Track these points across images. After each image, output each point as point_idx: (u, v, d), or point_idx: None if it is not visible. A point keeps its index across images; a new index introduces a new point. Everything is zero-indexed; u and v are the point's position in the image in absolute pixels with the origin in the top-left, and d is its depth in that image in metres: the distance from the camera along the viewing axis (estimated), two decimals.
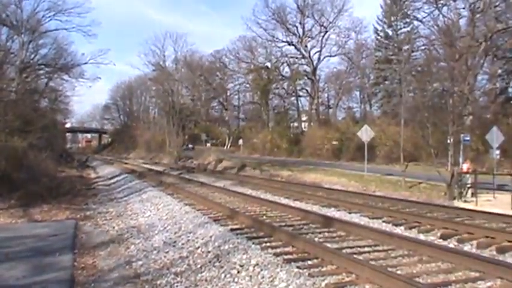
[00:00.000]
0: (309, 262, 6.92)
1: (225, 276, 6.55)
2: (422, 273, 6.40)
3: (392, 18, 48.57)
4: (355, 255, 7.08)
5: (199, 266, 7.27)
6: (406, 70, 34.36)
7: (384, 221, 10.78)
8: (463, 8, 33.02)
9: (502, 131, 19.63)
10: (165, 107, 67.10)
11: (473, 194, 15.56)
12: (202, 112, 79.28)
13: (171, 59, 75.15)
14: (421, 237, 9.05)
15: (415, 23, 42.13)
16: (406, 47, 46.49)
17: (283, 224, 10.23)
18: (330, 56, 57.86)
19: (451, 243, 8.55)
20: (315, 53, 56.55)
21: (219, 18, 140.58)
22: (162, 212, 12.70)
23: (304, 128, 59.26)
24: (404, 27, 48.16)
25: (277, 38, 56.92)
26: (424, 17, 37.25)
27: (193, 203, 14.06)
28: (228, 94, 77.22)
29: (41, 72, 40.43)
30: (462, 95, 20.01)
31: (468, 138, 19.48)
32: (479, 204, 13.96)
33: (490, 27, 30.42)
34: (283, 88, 63.65)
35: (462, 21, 33.73)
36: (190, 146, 63.28)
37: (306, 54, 56.09)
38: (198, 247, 8.31)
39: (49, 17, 37.32)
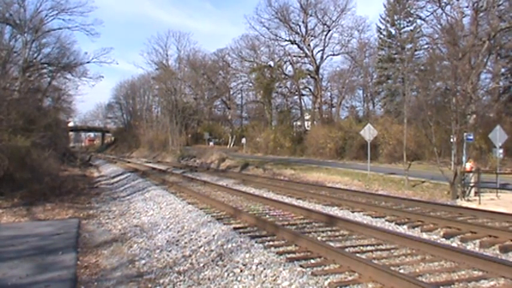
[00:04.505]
0: (312, 261, 6.92)
1: (228, 275, 6.56)
2: (425, 272, 6.41)
3: (395, 17, 48.34)
4: (358, 254, 7.08)
5: (202, 264, 7.28)
6: (409, 69, 34.24)
7: (386, 220, 10.78)
8: (467, 7, 32.94)
9: (505, 130, 19.55)
10: (168, 106, 67.17)
11: (476, 193, 15.53)
12: (205, 111, 79.23)
13: (174, 57, 75.68)
14: (424, 236, 9.05)
15: (418, 21, 41.91)
16: (409, 46, 46.36)
17: (286, 222, 10.23)
18: (333, 55, 57.79)
19: (454, 242, 8.54)
20: (318, 51, 56.52)
21: (222, 16, 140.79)
22: (165, 211, 12.72)
23: (307, 126, 59.16)
24: (407, 26, 47.96)
25: (280, 37, 56.87)
26: (427, 16, 37.12)
27: (196, 201, 14.10)
28: (231, 93, 77.19)
29: (44, 71, 40.56)
30: (465, 93, 19.89)
31: (471, 137, 19.41)
32: (482, 203, 13.93)
33: (493, 26, 30.32)
34: (286, 87, 63.54)
35: (465, 20, 33.66)
36: None
37: (309, 53, 55.97)
38: (201, 246, 8.33)
39: (52, 16, 37.40)
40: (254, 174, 28.27)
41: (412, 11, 41.77)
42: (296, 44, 56.69)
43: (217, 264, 7.14)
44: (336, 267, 6.57)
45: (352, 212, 12.09)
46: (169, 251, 8.40)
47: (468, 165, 16.90)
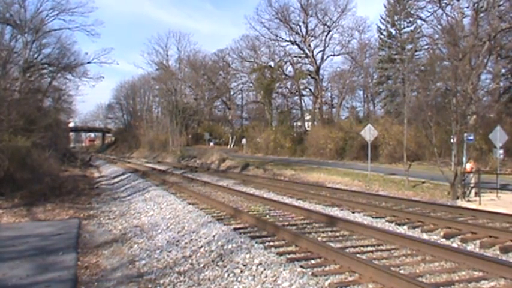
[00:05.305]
0: (312, 261, 6.92)
1: (228, 275, 6.55)
2: (425, 272, 6.40)
3: (395, 18, 48.35)
4: (358, 255, 7.08)
5: (202, 265, 7.27)
6: (410, 69, 34.18)
7: (387, 221, 10.78)
8: (467, 7, 32.93)
9: (505, 131, 19.55)
10: (168, 106, 67.22)
11: (476, 194, 15.52)
12: (206, 111, 79.19)
13: (174, 58, 75.79)
14: (425, 236, 9.04)
15: (419, 22, 41.81)
16: (409, 46, 46.33)
17: (287, 223, 10.23)
18: (333, 55, 57.74)
19: (455, 243, 8.54)
20: (318, 52, 56.48)
21: (223, 17, 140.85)
22: (165, 211, 12.72)
23: (308, 127, 59.16)
24: (407, 26, 47.96)
25: (280, 37, 56.85)
26: (428, 16, 37.07)
27: (196, 202, 14.09)
28: (231, 93, 77.14)
29: (45, 71, 40.52)
30: (466, 94, 19.88)
31: (472, 138, 19.40)
32: (482, 204, 13.92)
33: (493, 27, 30.31)
34: (287, 87, 63.53)
35: (466, 21, 33.65)
36: None
37: (309, 54, 55.94)
38: (201, 246, 8.32)
39: (52, 16, 37.41)
40: (254, 174, 28.27)
41: (412, 12, 41.74)
42: (296, 44, 56.71)
43: (217, 264, 7.14)
44: (336, 268, 6.57)
45: (353, 212, 12.09)
46: (170, 252, 8.39)
47: (468, 166, 16.88)
